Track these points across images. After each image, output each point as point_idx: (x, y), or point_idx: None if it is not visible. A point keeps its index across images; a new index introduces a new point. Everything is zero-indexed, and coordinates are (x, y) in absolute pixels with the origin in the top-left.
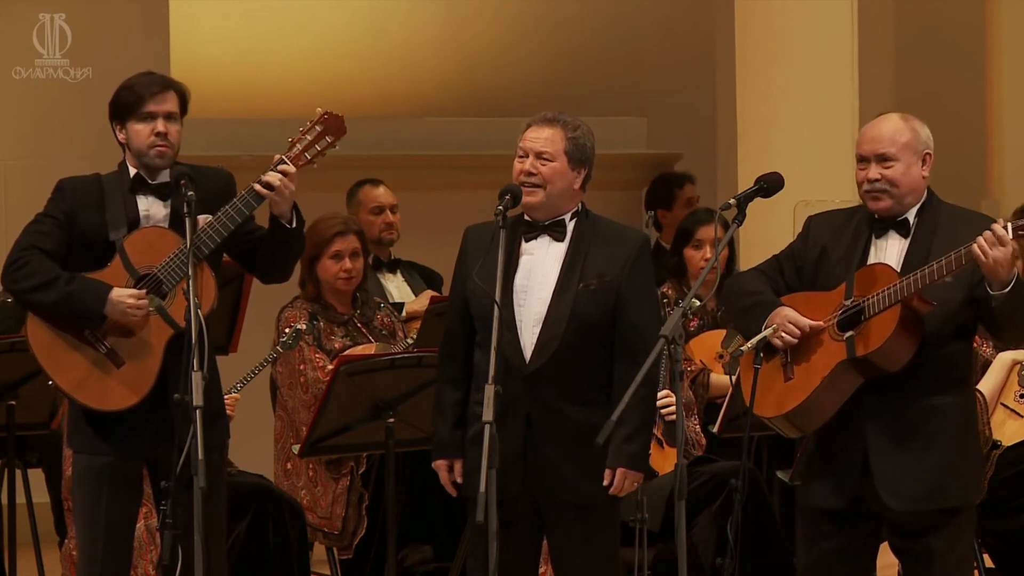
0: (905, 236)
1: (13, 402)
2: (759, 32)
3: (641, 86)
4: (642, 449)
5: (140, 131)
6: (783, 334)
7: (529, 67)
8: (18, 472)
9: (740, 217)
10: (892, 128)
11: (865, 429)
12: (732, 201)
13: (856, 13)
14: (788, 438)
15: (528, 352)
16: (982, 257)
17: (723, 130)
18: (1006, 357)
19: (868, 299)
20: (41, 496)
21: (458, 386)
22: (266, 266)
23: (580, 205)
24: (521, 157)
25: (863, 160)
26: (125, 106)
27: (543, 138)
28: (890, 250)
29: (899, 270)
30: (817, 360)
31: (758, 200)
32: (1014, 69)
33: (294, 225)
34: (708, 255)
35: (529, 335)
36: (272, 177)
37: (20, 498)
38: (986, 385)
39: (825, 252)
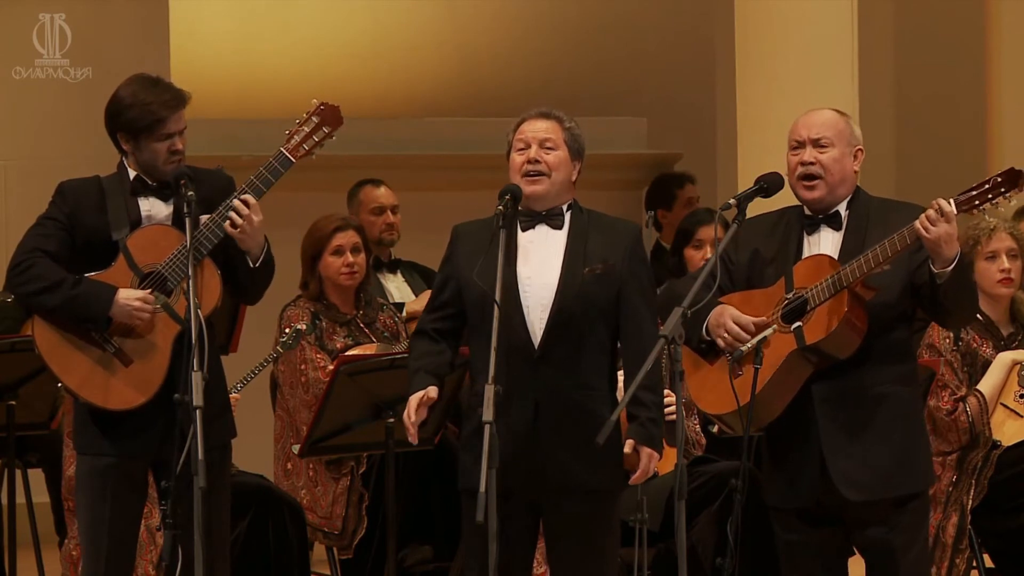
0: (837, 229)
1: (13, 402)
2: (759, 32)
3: (641, 86)
4: (660, 433)
5: (157, 149)
6: (725, 334)
7: (529, 67)
8: (18, 472)
9: (740, 217)
10: (829, 116)
11: (818, 423)
12: (732, 201)
13: (856, 13)
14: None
15: (537, 337)
16: (925, 233)
17: (723, 130)
18: (1006, 357)
19: (811, 289)
20: (41, 496)
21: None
22: (238, 288)
23: (574, 199)
24: (521, 149)
25: (798, 144)
26: (140, 126)
27: (543, 128)
28: (823, 244)
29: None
30: (767, 354)
31: (758, 200)
32: (1014, 69)
33: (257, 265)
34: (708, 255)
35: (537, 320)
36: (239, 205)
37: (20, 498)
38: (986, 385)
39: (757, 252)
